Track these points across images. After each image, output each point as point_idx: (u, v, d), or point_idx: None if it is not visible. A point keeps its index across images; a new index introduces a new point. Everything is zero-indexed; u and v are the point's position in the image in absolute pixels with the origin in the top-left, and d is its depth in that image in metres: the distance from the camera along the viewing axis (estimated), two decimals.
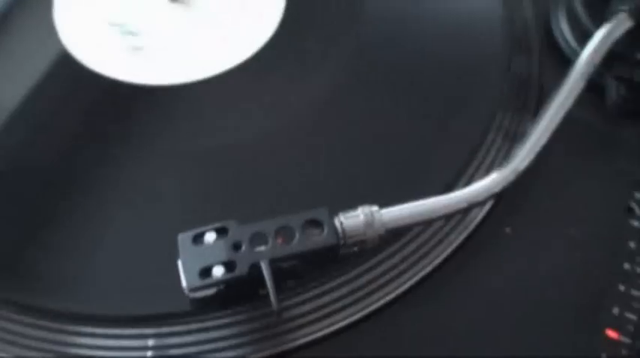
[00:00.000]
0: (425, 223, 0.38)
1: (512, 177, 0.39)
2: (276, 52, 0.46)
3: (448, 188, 0.40)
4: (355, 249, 0.37)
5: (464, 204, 0.38)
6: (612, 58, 0.43)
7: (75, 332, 0.37)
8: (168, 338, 0.36)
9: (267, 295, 0.35)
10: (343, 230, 0.35)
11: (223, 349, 0.35)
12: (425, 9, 0.48)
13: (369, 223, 0.36)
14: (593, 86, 0.43)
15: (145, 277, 0.38)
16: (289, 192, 0.41)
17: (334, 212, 0.36)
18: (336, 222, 0.36)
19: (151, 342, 0.37)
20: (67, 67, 0.47)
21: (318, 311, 0.36)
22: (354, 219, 0.36)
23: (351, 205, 0.37)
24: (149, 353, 0.36)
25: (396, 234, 0.38)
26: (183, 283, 0.34)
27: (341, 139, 0.43)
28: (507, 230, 0.41)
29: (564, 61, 0.46)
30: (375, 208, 0.36)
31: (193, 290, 0.34)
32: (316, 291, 0.37)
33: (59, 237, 0.40)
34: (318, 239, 0.35)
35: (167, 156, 0.43)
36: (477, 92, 0.45)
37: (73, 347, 0.37)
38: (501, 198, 0.41)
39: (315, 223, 0.36)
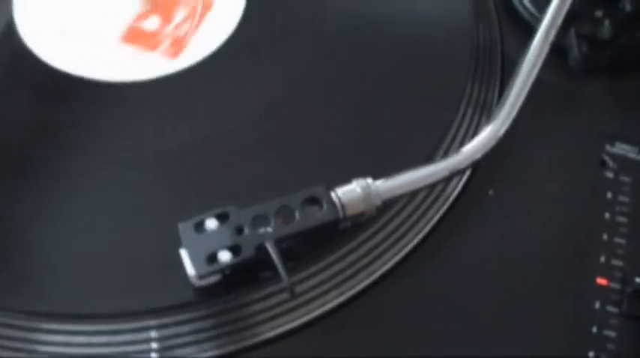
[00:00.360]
0: (418, 190, 0.39)
1: (493, 142, 0.40)
2: (247, 39, 0.46)
3: (429, 160, 0.41)
4: (348, 223, 0.37)
5: (450, 171, 0.39)
6: (571, 17, 0.45)
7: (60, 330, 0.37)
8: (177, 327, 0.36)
9: (269, 276, 0.35)
10: (342, 204, 0.36)
11: (239, 330, 0.36)
12: None
13: (367, 195, 0.36)
14: (554, 48, 0.45)
15: (133, 272, 0.38)
16: (275, 177, 0.41)
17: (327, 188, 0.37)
18: (334, 197, 0.36)
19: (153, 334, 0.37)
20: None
21: (321, 285, 0.37)
22: (352, 192, 0.36)
23: (337, 183, 0.37)
24: (153, 354, 0.36)
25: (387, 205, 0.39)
26: (191, 271, 0.34)
27: (318, 121, 0.44)
28: (490, 192, 0.42)
29: (523, 27, 0.47)
30: (369, 180, 0.37)
31: (202, 277, 0.34)
32: (313, 268, 0.37)
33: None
34: (319, 215, 0.36)
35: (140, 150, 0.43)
36: (444, 65, 0.46)
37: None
38: (479, 164, 0.42)
39: (314, 200, 0.36)
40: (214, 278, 0.35)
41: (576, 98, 0.46)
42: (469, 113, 0.45)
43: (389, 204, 0.38)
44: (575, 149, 0.44)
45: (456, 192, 0.42)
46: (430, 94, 0.45)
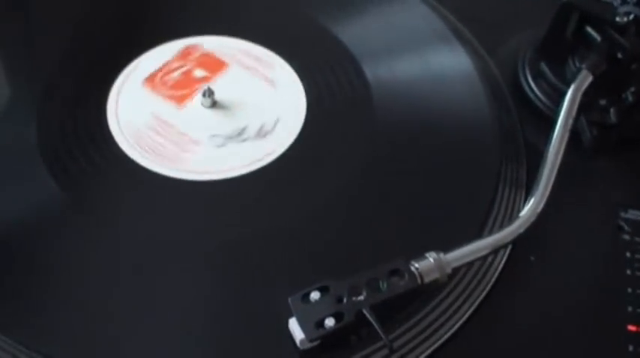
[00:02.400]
0: (481, 258, 0.46)
1: (533, 219, 0.47)
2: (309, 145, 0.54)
3: (478, 235, 0.48)
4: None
5: (501, 243, 0.46)
6: (581, 107, 0.53)
7: None
8: None
9: (363, 339, 0.42)
10: (420, 273, 0.43)
11: None
12: (424, 102, 0.57)
13: (439, 265, 0.43)
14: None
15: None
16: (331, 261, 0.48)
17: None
18: (412, 268, 0.43)
19: None
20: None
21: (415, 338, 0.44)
22: (426, 263, 0.43)
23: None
24: None
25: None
26: (301, 336, 0.41)
27: (382, 208, 0.51)
28: (532, 258, 0.50)
29: (536, 114, 0.56)
30: (441, 253, 0.44)
31: (312, 340, 0.41)
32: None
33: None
34: (402, 283, 0.43)
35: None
36: (480, 153, 0.53)
37: None
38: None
39: (396, 272, 0.43)
40: (316, 342, 0.42)
41: (591, 173, 0.54)
42: (506, 191, 0.52)
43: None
44: (595, 217, 0.52)
45: (503, 260, 0.49)
46: (471, 179, 0.52)
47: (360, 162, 0.52)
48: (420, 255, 0.44)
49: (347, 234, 0.49)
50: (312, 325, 0.41)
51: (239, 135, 0.54)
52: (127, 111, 0.55)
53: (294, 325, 0.42)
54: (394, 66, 0.58)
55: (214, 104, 0.55)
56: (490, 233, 0.48)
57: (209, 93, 0.54)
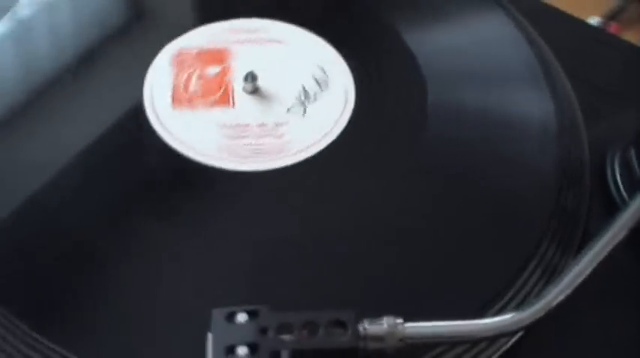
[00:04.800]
0: (447, 344, 0.40)
1: (542, 313, 0.40)
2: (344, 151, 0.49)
3: (482, 309, 0.42)
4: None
5: (490, 333, 0.39)
6: None
7: None
8: None
9: None
10: (365, 335, 0.38)
11: None
12: (485, 132, 0.50)
13: (391, 333, 0.38)
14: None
15: None
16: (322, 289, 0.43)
17: (374, 315, 0.38)
18: (360, 327, 0.38)
19: None
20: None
21: None
22: (378, 327, 0.38)
23: (389, 312, 0.39)
24: None
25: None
26: (209, 356, 0.37)
27: (386, 244, 0.46)
28: None
29: (612, 205, 0.48)
30: (399, 320, 0.38)
31: None
32: None
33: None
34: (340, 339, 0.37)
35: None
36: (523, 219, 0.47)
37: None
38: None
39: (340, 324, 0.38)
40: None
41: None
42: (537, 273, 0.45)
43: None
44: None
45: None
46: (502, 241, 0.46)
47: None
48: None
49: None
50: (223, 348, 0.37)
51: (306, 94, 0.52)
52: (193, 138, 0.50)
53: (209, 341, 0.38)
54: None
55: (256, 88, 0.52)
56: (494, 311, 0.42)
57: (251, 78, 0.51)
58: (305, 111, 0.51)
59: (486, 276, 0.45)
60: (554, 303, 0.41)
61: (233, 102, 0.52)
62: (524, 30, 0.55)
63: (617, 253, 0.43)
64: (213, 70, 0.53)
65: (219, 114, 0.51)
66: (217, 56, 0.54)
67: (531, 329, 0.41)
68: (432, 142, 0.50)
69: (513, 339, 0.43)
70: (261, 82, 0.52)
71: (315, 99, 0.52)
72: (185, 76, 0.53)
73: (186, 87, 0.53)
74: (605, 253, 0.42)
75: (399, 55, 0.53)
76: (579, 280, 0.42)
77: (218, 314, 0.38)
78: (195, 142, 0.49)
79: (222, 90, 0.52)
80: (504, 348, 0.43)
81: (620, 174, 0.49)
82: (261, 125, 0.51)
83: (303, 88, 0.52)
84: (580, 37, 0.60)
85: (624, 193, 0.48)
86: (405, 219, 0.46)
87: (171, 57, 0.54)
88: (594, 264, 0.42)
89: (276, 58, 0.54)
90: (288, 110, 0.51)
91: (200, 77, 0.53)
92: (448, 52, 0.53)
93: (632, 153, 0.48)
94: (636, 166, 0.48)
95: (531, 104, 0.51)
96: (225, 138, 0.50)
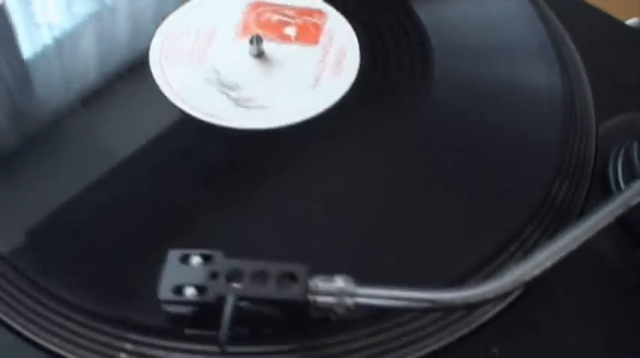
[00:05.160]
0: (397, 311, 0.39)
1: (506, 289, 0.39)
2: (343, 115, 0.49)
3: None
4: (332, 317, 0.38)
5: (440, 305, 0.38)
6: None
7: None
8: None
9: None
10: (315, 291, 0.37)
11: None
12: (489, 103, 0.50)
13: (341, 293, 0.37)
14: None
15: None
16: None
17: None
18: (311, 283, 0.38)
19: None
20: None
21: None
22: (329, 284, 0.38)
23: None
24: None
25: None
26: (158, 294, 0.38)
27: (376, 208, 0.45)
28: (494, 350, 0.41)
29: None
30: (351, 281, 0.38)
31: (163, 302, 0.37)
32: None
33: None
34: (288, 291, 0.37)
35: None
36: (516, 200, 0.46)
37: None
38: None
39: (292, 277, 0.38)
40: (182, 310, 0.38)
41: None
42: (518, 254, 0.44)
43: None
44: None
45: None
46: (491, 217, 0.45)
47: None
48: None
49: None
50: (172, 286, 0.38)
51: None
52: None
53: (161, 280, 0.38)
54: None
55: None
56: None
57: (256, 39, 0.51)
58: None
59: (469, 247, 0.44)
60: (524, 279, 0.39)
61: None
62: (539, 9, 0.54)
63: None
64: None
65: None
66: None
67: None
68: (434, 112, 0.49)
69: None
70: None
71: None
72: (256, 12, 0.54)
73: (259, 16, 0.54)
74: (586, 236, 0.41)
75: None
76: (553, 260, 0.40)
77: (173, 255, 0.38)
78: None
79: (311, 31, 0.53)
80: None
81: (622, 168, 0.47)
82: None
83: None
84: (614, 36, 0.59)
85: (621, 184, 0.46)
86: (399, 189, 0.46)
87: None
88: (572, 246, 0.40)
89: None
90: None
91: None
92: (457, 24, 0.53)
93: (635, 147, 0.46)
94: (636, 160, 0.46)
95: (539, 80, 0.50)
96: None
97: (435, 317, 0.42)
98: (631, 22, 0.61)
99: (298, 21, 0.54)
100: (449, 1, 0.55)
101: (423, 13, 0.53)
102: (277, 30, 0.53)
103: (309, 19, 0.54)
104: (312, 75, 0.51)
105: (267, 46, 0.52)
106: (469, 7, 0.55)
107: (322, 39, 0.53)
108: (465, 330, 0.42)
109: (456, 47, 0.51)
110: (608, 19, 0.60)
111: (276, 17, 0.54)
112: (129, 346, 0.41)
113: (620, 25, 0.60)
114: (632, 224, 0.44)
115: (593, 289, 0.44)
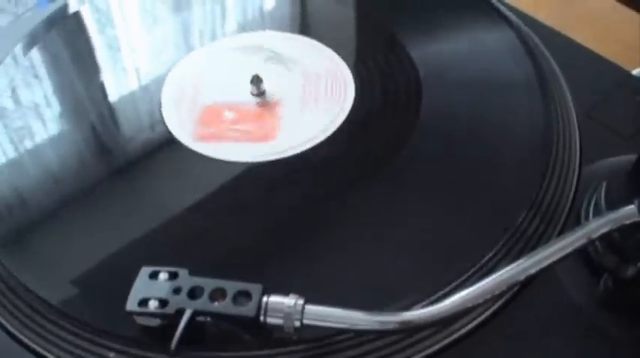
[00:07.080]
0: (342, 332, 0.42)
1: (460, 308, 0.40)
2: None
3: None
4: (293, 336, 0.41)
5: (383, 327, 0.41)
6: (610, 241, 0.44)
7: None
8: None
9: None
10: (265, 309, 0.41)
11: None
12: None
13: (289, 312, 0.40)
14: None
15: None
16: None
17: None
18: (263, 300, 0.41)
19: None
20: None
21: None
22: (279, 303, 0.41)
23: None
24: None
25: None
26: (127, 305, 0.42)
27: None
28: None
29: None
30: (301, 301, 0.41)
31: (129, 313, 0.42)
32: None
33: None
34: (240, 308, 0.41)
35: None
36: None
37: None
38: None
39: (247, 295, 0.41)
40: (152, 322, 0.42)
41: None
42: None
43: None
44: None
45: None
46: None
47: None
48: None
49: None
50: (138, 299, 0.42)
51: None
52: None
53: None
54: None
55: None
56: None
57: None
58: None
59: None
60: (465, 306, 0.40)
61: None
62: (524, 42, 0.57)
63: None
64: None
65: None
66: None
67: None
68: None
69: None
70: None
71: None
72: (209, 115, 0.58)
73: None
74: (548, 262, 0.42)
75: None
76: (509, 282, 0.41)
77: (144, 272, 0.43)
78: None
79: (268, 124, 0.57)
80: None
81: (593, 208, 0.48)
82: None
83: None
84: (617, 83, 0.60)
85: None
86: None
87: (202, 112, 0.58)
88: (521, 277, 0.42)
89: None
90: None
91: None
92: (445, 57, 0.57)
93: (603, 186, 0.47)
94: (603, 199, 0.47)
95: (519, 118, 0.53)
96: None
97: None
98: (636, 71, 0.62)
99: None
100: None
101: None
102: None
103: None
104: None
105: None
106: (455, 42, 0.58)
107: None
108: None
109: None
110: (615, 68, 0.61)
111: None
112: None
113: (626, 73, 0.61)
114: (592, 258, 0.45)
115: (556, 325, 0.45)
